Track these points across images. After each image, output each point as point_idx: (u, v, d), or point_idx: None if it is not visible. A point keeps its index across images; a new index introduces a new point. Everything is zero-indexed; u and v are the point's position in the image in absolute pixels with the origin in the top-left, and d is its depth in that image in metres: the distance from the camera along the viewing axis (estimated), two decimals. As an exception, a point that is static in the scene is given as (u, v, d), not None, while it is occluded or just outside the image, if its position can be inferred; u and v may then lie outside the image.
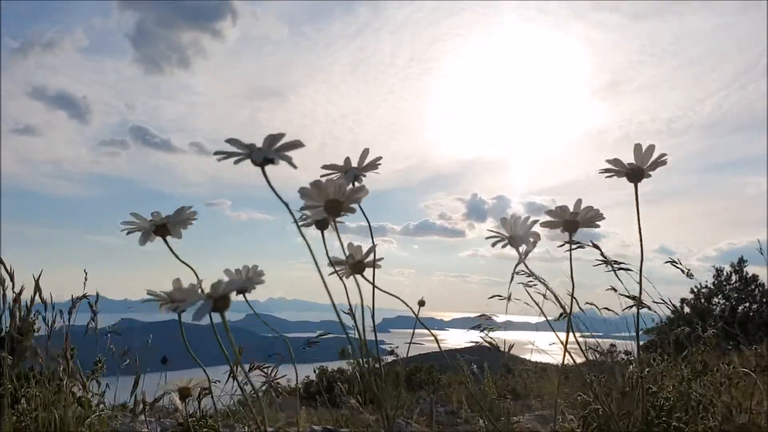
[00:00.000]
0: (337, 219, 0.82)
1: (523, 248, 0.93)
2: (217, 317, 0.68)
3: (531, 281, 1.05)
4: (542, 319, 1.13)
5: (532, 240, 0.92)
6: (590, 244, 1.10)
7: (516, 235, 0.91)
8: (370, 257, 0.88)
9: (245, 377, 0.91)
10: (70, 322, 1.47)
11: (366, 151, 0.85)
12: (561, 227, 0.90)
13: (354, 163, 0.85)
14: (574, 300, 0.97)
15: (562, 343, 0.96)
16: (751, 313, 7.21)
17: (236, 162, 0.68)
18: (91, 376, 1.48)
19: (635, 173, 0.88)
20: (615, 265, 1.13)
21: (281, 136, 0.67)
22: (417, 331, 1.10)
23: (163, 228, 0.84)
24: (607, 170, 0.89)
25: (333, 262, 0.85)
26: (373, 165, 0.85)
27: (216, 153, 0.68)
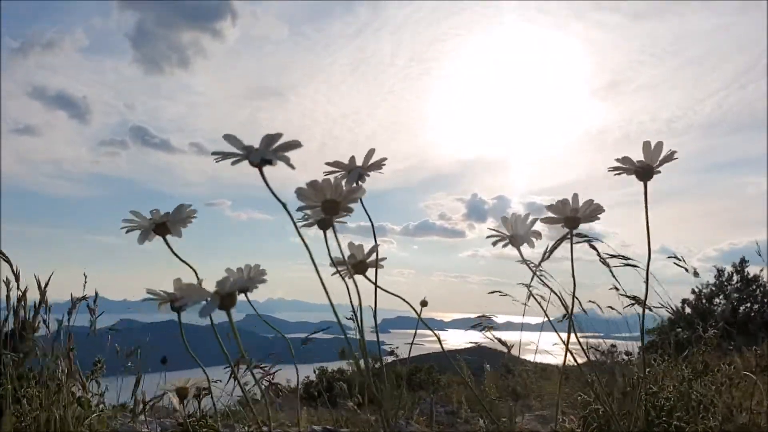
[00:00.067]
0: (339, 219, 0.81)
1: (535, 245, 0.92)
2: (217, 317, 0.68)
3: (541, 274, 1.05)
4: (543, 319, 1.12)
5: (533, 239, 0.92)
6: (593, 239, 1.10)
7: (517, 234, 0.91)
8: (372, 257, 0.88)
9: (251, 377, 0.91)
10: (71, 323, 1.47)
11: (372, 151, 0.84)
12: (562, 223, 0.90)
13: (359, 163, 0.85)
14: (575, 300, 0.97)
15: (563, 342, 0.96)
16: (752, 314, 7.20)
17: (233, 163, 0.68)
18: (90, 376, 1.48)
19: (645, 171, 0.87)
20: (622, 261, 1.12)
21: (279, 136, 0.67)
22: (417, 331, 1.10)
23: (162, 227, 0.83)
24: (616, 168, 0.88)
25: (335, 262, 0.84)
26: (378, 165, 0.85)
27: (214, 153, 0.67)
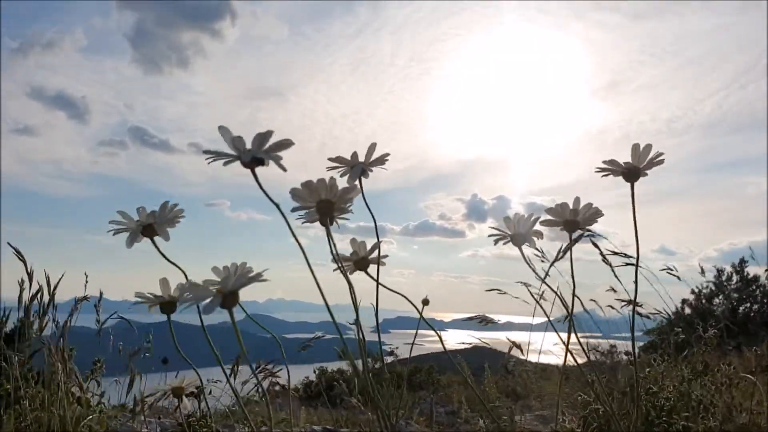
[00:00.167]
0: (341, 216, 0.81)
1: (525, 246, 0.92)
2: (217, 317, 0.68)
3: (545, 262, 1.05)
4: (543, 319, 1.12)
5: (534, 238, 0.92)
6: (594, 237, 1.10)
7: (518, 233, 0.91)
8: (374, 254, 0.88)
9: (250, 377, 0.91)
10: (71, 323, 1.47)
11: (373, 146, 0.83)
12: (561, 226, 0.90)
13: (361, 158, 0.84)
14: (574, 300, 0.97)
15: (563, 342, 0.96)
16: (752, 314, 7.21)
17: (225, 164, 0.67)
18: (90, 376, 1.48)
19: (632, 172, 0.88)
20: (623, 260, 1.13)
21: (270, 134, 0.66)
22: (417, 331, 1.09)
23: (150, 228, 0.82)
24: (603, 170, 0.89)
25: (336, 259, 0.84)
26: (381, 160, 0.85)
27: (205, 152, 0.67)
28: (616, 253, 1.13)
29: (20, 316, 1.53)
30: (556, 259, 0.95)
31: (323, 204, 0.76)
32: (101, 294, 1.51)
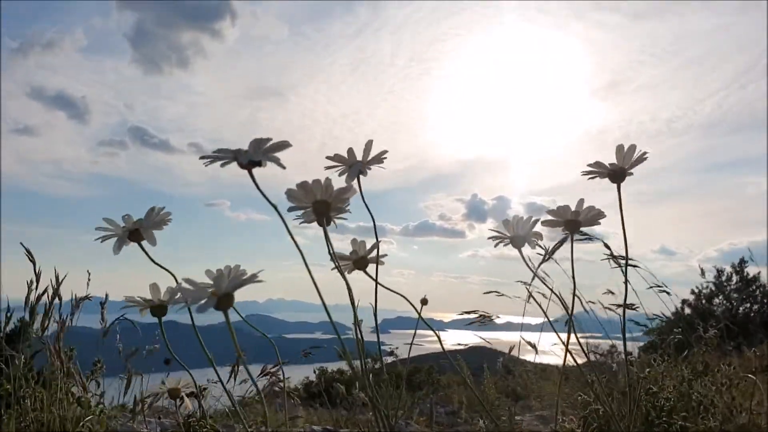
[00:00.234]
0: (339, 216, 0.81)
1: (538, 246, 0.92)
2: (218, 318, 0.68)
3: (542, 275, 1.05)
4: (543, 320, 1.12)
5: (534, 240, 0.92)
6: (593, 238, 1.10)
7: (518, 235, 0.91)
8: (373, 253, 0.87)
9: (249, 377, 0.91)
10: (73, 323, 1.47)
11: (370, 143, 0.83)
12: (562, 227, 0.91)
13: (358, 156, 0.83)
14: (575, 300, 0.97)
15: (563, 342, 0.96)
16: (752, 314, 7.21)
17: (223, 165, 0.67)
18: (90, 376, 1.48)
19: (617, 174, 0.89)
20: (620, 261, 1.13)
21: (267, 140, 0.67)
22: (417, 331, 1.09)
23: (137, 233, 0.82)
24: (589, 173, 0.90)
25: (335, 257, 0.84)
26: (379, 159, 0.84)
27: (202, 158, 0.67)
28: (614, 256, 1.13)
29: (21, 317, 1.53)
30: (544, 260, 0.95)
31: (319, 204, 0.76)
32: (107, 295, 1.51)
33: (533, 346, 1.32)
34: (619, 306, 1.24)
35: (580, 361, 1.09)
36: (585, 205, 0.89)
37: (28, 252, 1.37)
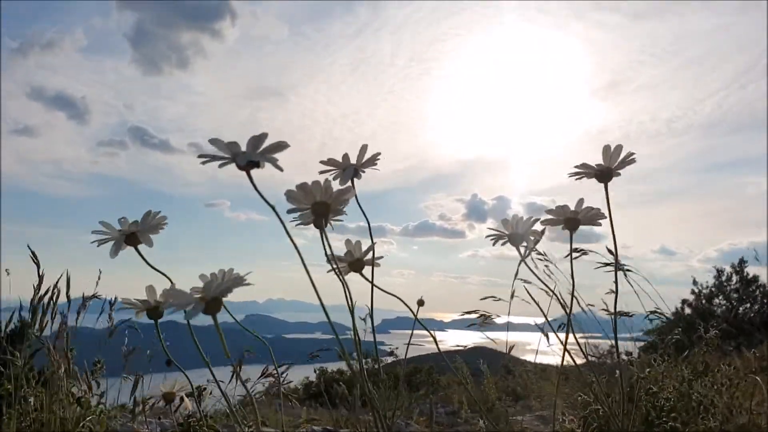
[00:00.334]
0: (336, 218, 0.81)
1: (524, 246, 0.92)
2: (219, 318, 0.68)
3: (547, 266, 1.05)
4: (542, 320, 1.12)
5: (532, 238, 0.92)
6: (587, 254, 1.10)
7: (516, 233, 0.91)
8: (369, 255, 0.88)
9: (250, 378, 0.91)
10: (77, 323, 1.48)
11: (365, 147, 0.83)
12: (562, 225, 0.91)
13: (353, 160, 0.84)
14: (574, 300, 0.97)
15: (562, 343, 0.96)
16: (752, 314, 7.21)
17: (220, 166, 0.67)
18: (90, 376, 1.48)
19: (603, 174, 0.89)
20: (613, 266, 1.13)
21: (264, 136, 0.66)
22: (416, 332, 1.09)
23: (133, 237, 0.82)
24: (575, 173, 0.90)
25: (332, 259, 0.84)
26: (372, 161, 0.84)
27: (200, 156, 0.67)
28: (606, 264, 1.13)
29: (21, 317, 1.54)
30: (523, 260, 0.95)
31: (318, 206, 0.76)
32: (115, 297, 1.52)
33: (545, 339, 1.32)
34: (610, 313, 1.24)
35: (579, 361, 1.09)
36: (585, 205, 0.89)
37: (33, 254, 1.37)
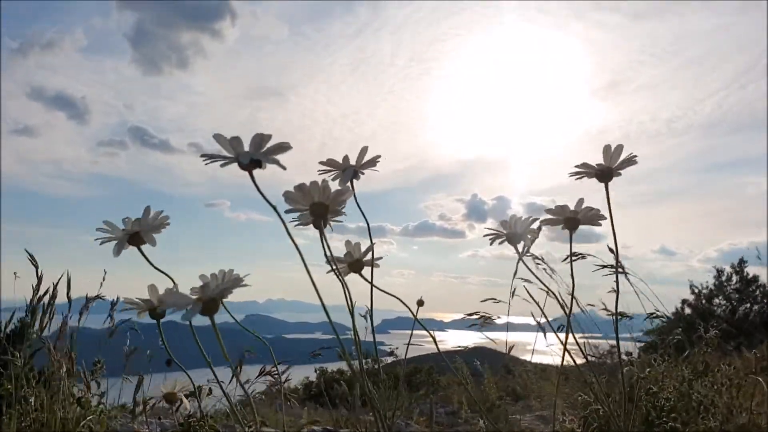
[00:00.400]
0: (335, 219, 0.81)
1: (521, 246, 0.92)
2: (218, 318, 0.68)
3: (543, 266, 1.05)
4: (542, 320, 1.12)
5: (530, 237, 0.92)
6: (585, 258, 1.10)
7: (514, 232, 0.91)
8: (369, 256, 0.88)
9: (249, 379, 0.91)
10: (79, 323, 1.48)
11: (365, 149, 0.83)
12: (562, 225, 0.91)
13: (352, 161, 0.84)
14: (574, 300, 0.97)
15: (562, 343, 0.96)
16: (752, 314, 7.20)
17: (223, 165, 0.68)
18: (90, 376, 1.48)
19: (604, 173, 0.89)
20: (611, 269, 1.13)
21: (268, 137, 0.67)
22: (416, 332, 1.09)
23: (136, 236, 0.82)
24: (576, 173, 0.90)
25: (331, 260, 0.84)
26: (372, 162, 0.85)
27: (202, 156, 0.67)
28: (604, 266, 1.13)
29: (21, 317, 1.54)
30: (520, 258, 0.95)
31: (317, 206, 0.76)
32: (117, 298, 1.52)
33: (545, 339, 1.32)
34: (611, 314, 1.24)
35: (579, 361, 1.09)
36: (584, 206, 0.89)
37: (31, 256, 1.37)
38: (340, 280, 0.85)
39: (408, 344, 1.15)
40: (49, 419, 1.31)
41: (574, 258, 0.94)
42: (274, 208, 0.72)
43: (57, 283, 1.43)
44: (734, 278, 7.50)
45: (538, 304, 1.08)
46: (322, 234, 0.80)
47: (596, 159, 0.89)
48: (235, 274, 0.66)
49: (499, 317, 1.24)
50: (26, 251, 1.38)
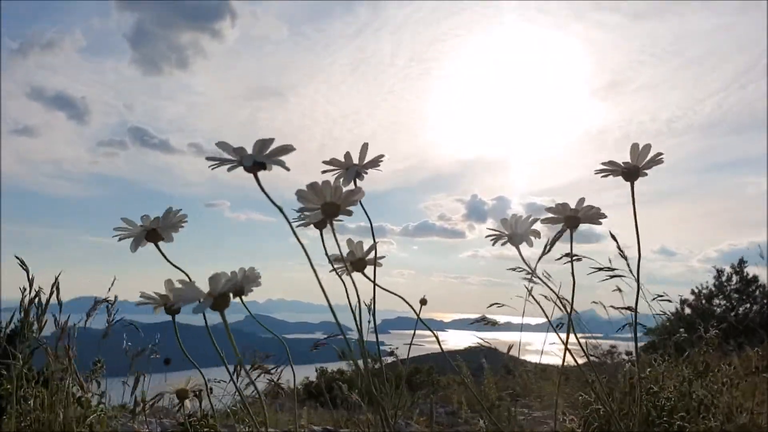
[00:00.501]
0: (336, 219, 0.81)
1: (523, 246, 0.92)
2: (216, 318, 0.68)
3: (544, 275, 1.05)
4: (543, 320, 1.12)
5: (532, 237, 0.92)
6: (581, 260, 1.10)
7: (516, 233, 0.91)
8: (371, 255, 0.88)
9: (248, 378, 0.91)
10: (86, 324, 1.48)
11: (365, 146, 0.83)
12: (562, 223, 0.91)
13: (355, 159, 0.84)
14: (574, 300, 0.97)
15: (563, 342, 0.96)
16: (752, 314, 7.21)
17: (229, 170, 0.68)
18: (90, 376, 1.48)
19: (631, 172, 0.89)
20: (609, 272, 1.12)
21: (271, 141, 0.67)
22: (417, 332, 1.09)
23: (153, 233, 0.83)
24: (602, 171, 0.89)
25: (333, 260, 0.84)
26: (376, 162, 0.84)
27: (208, 159, 0.68)
28: (601, 269, 1.12)
29: (19, 317, 1.53)
30: (544, 253, 0.95)
31: (328, 206, 0.76)
32: (116, 297, 1.52)
33: (545, 339, 1.32)
34: (624, 308, 1.24)
35: (580, 361, 1.09)
36: (585, 205, 0.89)
37: (21, 262, 1.38)
38: (342, 280, 0.85)
39: (410, 344, 1.15)
40: (51, 419, 1.31)
41: (568, 260, 0.94)
42: (281, 209, 0.73)
43: (54, 284, 1.43)
44: (734, 278, 7.51)
45: (539, 303, 1.08)
46: (322, 234, 0.80)
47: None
48: (258, 272, 0.67)
49: (499, 323, 1.24)
50: (16, 257, 1.38)
